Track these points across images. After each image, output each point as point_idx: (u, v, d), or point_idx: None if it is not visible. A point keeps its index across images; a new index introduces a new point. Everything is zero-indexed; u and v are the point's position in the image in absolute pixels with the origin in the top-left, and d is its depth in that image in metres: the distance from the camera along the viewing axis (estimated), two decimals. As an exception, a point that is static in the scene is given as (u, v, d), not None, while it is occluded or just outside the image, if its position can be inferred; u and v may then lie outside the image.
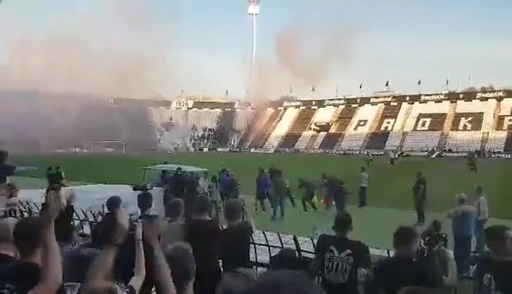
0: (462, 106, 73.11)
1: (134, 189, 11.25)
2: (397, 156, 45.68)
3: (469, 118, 69.70)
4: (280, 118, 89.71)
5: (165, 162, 17.31)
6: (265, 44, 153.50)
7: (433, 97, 77.46)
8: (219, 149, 77.19)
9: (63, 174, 16.57)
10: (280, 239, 5.40)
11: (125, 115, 75.58)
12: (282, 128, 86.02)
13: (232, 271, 4.09)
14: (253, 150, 76.18)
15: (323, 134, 79.68)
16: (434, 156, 59.79)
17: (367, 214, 13.35)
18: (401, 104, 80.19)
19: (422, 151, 63.57)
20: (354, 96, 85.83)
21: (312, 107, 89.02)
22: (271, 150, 75.68)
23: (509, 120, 66.33)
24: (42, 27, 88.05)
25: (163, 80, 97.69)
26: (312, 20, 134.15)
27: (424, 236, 3.95)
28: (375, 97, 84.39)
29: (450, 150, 63.01)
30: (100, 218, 6.63)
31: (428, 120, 73.29)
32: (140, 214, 4.97)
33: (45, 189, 6.48)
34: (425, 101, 77.61)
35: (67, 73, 73.26)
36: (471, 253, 7.77)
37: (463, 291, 4.29)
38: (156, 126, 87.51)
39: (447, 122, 71.67)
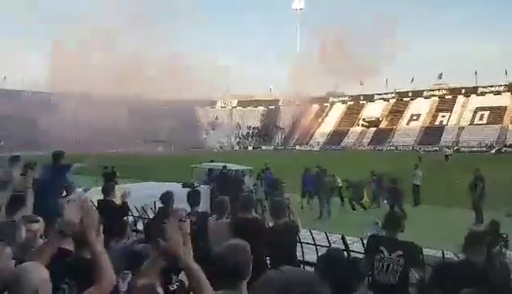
0: (524, 98, 68.41)
1: (183, 187, 11.57)
2: (451, 152, 43.45)
3: (532, 111, 65.09)
4: (327, 114, 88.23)
5: (211, 161, 17.61)
6: (310, 39, 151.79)
7: (491, 89, 72.88)
8: (264, 147, 77.26)
9: (117, 173, 17.40)
10: (328, 238, 5.32)
11: (174, 115, 77.92)
12: (328, 124, 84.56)
13: (278, 270, 4.07)
14: (298, 148, 75.48)
15: (372, 130, 77.35)
16: (493, 151, 56.17)
17: (422, 213, 12.84)
18: (456, 97, 76.29)
19: (480, 146, 60.05)
20: (406, 90, 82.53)
21: (361, 102, 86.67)
22: (317, 147, 74.58)
23: None
24: (94, 28, 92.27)
25: (210, 80, 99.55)
26: (358, 10, 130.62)
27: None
28: (429, 90, 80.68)
29: (511, 145, 58.99)
30: (151, 215, 6.87)
31: (487, 113, 69.15)
32: (190, 211, 5.10)
33: (100, 188, 6.79)
34: (483, 93, 73.25)
35: (118, 75, 76.65)
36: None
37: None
38: (203, 126, 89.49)
39: (508, 116, 67.14)
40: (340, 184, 14.40)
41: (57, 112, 60.33)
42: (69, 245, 2.81)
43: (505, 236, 3.96)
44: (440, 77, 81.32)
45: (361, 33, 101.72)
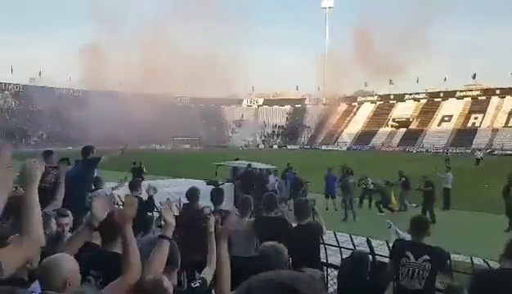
0: None
1: (208, 184, 11.67)
2: (482, 155, 41.92)
3: None
4: (355, 114, 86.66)
5: (236, 159, 17.69)
6: (338, 37, 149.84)
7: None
8: (289, 147, 76.85)
9: (144, 169, 17.75)
10: (353, 241, 5.23)
11: (200, 113, 78.79)
12: (356, 124, 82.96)
13: (299, 271, 4.05)
14: (324, 147, 74.47)
15: (402, 130, 75.26)
16: (528, 155, 53.93)
17: (451, 218, 12.49)
18: (490, 98, 73.37)
19: (514, 150, 57.72)
20: (437, 90, 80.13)
21: (390, 101, 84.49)
22: (344, 147, 73.34)
23: None
24: (119, 29, 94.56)
25: (236, 78, 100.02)
26: (388, 8, 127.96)
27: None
28: (461, 91, 78.10)
29: (547, 149, 56.41)
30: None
31: (522, 115, 66.37)
32: (213, 208, 5.13)
33: (127, 183, 6.94)
34: (518, 95, 70.35)
35: (147, 73, 78.14)
36: None
37: None
38: (228, 124, 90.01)
39: (545, 118, 64.29)
40: (371, 187, 14.13)
41: (89, 109, 62.05)
42: (95, 239, 2.89)
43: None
44: (474, 77, 78.70)
45: (391, 31, 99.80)
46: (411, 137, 71.63)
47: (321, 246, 4.83)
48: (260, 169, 14.84)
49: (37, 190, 1.96)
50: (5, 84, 74.99)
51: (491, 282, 2.96)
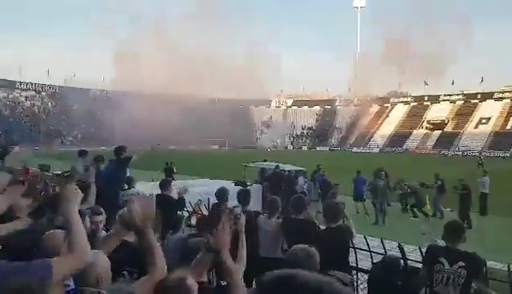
0: None
1: (236, 185, 11.72)
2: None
3: None
4: (387, 115, 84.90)
5: (264, 160, 17.70)
6: (370, 37, 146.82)
7: None
8: (318, 148, 76.18)
9: (174, 169, 18.06)
10: (384, 245, 5.12)
11: (229, 114, 79.38)
12: (389, 126, 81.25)
13: (326, 274, 4.00)
14: (355, 149, 73.33)
15: (437, 132, 73.11)
16: None
17: (489, 224, 12.05)
18: (530, 99, 70.36)
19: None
20: (474, 91, 77.32)
21: (425, 103, 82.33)
22: (376, 150, 72.00)
23: None
24: (148, 31, 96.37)
25: (265, 79, 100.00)
26: (423, 7, 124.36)
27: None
28: (500, 92, 74.92)
29: None
30: (205, 210, 7.03)
31: None
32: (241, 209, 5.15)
33: (157, 183, 7.06)
34: (561, 96, 66.91)
35: (176, 75, 79.50)
36: None
37: None
38: (256, 125, 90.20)
39: None
40: (408, 191, 13.80)
41: (120, 110, 63.80)
42: (129, 236, 2.96)
43: None
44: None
45: (426, 31, 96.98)
46: (447, 140, 69.52)
47: (351, 250, 4.75)
48: (288, 171, 14.77)
49: (76, 208, 2.06)
50: (42, 86, 78.22)
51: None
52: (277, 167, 14.03)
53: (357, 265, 4.89)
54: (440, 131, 73.00)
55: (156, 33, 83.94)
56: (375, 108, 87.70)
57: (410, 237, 6.63)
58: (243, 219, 2.93)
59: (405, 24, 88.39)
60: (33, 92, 76.81)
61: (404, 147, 71.65)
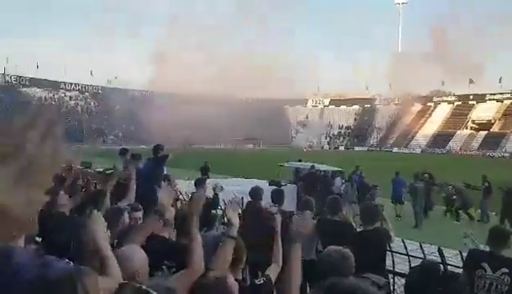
0: None
1: (270, 185, 11.72)
2: None
3: None
4: (430, 115, 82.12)
5: (299, 160, 17.59)
6: (412, 34, 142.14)
7: None
8: (356, 148, 74.72)
9: (209, 167, 18.31)
10: (423, 249, 4.96)
11: (264, 113, 79.59)
12: (432, 126, 78.54)
13: (361, 276, 3.92)
14: (395, 150, 71.30)
15: (483, 133, 69.95)
16: None
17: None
18: None
19: None
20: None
21: (470, 102, 78.99)
22: (418, 150, 69.64)
23: None
24: (185, 32, 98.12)
25: (301, 78, 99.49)
26: (469, 3, 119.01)
27: None
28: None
29: None
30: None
31: None
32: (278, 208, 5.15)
33: (193, 181, 7.20)
34: None
35: (212, 75, 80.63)
36: None
37: None
38: (292, 124, 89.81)
39: None
40: (453, 196, 13.29)
41: (157, 109, 65.50)
42: (166, 233, 3.05)
43: None
44: None
45: (471, 27, 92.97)
46: (493, 141, 66.26)
47: (388, 253, 4.64)
48: (324, 171, 14.60)
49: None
50: (85, 86, 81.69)
51: None
52: (313, 167, 13.90)
53: (393, 268, 4.78)
54: (486, 132, 69.73)
55: (192, 33, 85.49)
56: (417, 107, 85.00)
57: (451, 241, 6.36)
58: (279, 218, 2.93)
59: (447, 21, 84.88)
60: (77, 92, 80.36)
61: (447, 148, 69.01)
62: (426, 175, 13.72)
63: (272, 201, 5.25)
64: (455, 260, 4.74)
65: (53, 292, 1.51)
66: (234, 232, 2.48)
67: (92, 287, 1.53)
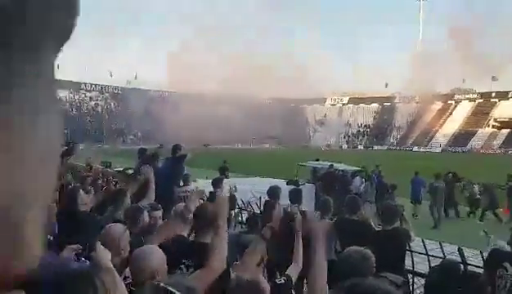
0: None
1: (288, 184, 11.70)
2: None
3: None
4: (451, 113, 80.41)
5: (317, 159, 17.49)
6: (433, 31, 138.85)
7: None
8: (376, 147, 73.77)
9: (228, 167, 18.40)
10: (442, 249, 4.88)
11: (282, 113, 79.46)
12: (453, 124, 76.88)
13: (378, 275, 3.89)
14: (415, 149, 70.06)
15: (505, 131, 68.02)
16: None
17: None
18: None
19: None
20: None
21: (492, 100, 77.06)
22: (438, 149, 68.37)
23: None
24: (203, 32, 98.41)
25: (319, 77, 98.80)
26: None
27: None
28: None
29: None
30: (256, 208, 7.11)
31: None
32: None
33: (210, 180, 7.26)
34: None
35: (229, 74, 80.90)
36: None
37: None
38: (310, 123, 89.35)
39: None
40: (478, 195, 13.02)
41: (177, 109, 66.18)
42: (184, 232, 3.09)
43: None
44: None
45: (494, 23, 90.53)
46: (516, 139, 64.58)
47: (408, 253, 4.59)
48: (342, 170, 14.48)
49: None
50: (105, 87, 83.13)
51: None
52: (331, 166, 13.81)
53: (413, 268, 4.72)
54: (508, 130, 67.87)
55: (209, 32, 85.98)
56: (438, 105, 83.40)
57: (470, 241, 6.24)
58: (299, 218, 2.93)
59: (469, 18, 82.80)
60: (97, 93, 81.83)
61: (468, 147, 67.49)
62: (450, 174, 13.42)
63: (290, 200, 5.25)
64: (476, 260, 4.65)
65: (71, 290, 1.56)
66: (268, 233, 2.51)
67: (109, 284, 1.58)
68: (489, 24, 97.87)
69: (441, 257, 4.48)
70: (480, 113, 75.81)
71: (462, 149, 65.63)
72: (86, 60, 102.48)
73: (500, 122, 70.21)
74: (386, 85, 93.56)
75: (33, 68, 0.27)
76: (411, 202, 13.10)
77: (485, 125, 72.60)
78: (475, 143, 68.74)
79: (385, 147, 74.05)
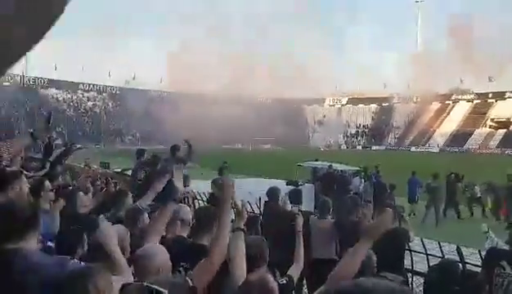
0: None
1: (287, 185, 11.71)
2: None
3: None
4: (448, 113, 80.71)
5: (316, 160, 17.51)
6: (431, 31, 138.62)
7: None
8: (374, 147, 73.87)
9: (228, 167, 18.37)
10: (441, 248, 4.90)
11: (281, 113, 79.44)
12: (450, 124, 77.16)
13: (377, 275, 3.92)
14: (413, 149, 70.25)
15: (502, 131, 68.45)
16: None
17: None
18: None
19: None
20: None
21: (489, 100, 77.37)
22: (436, 149, 68.55)
23: None
24: (202, 31, 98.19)
25: (318, 77, 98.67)
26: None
27: None
28: None
29: None
30: (256, 209, 7.11)
31: None
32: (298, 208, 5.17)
33: (209, 181, 7.26)
34: None
35: (229, 75, 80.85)
36: None
37: None
38: (309, 124, 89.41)
39: None
40: (479, 195, 13.04)
41: (175, 110, 66.10)
42: (184, 232, 3.10)
43: None
44: None
45: (490, 25, 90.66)
46: (512, 139, 64.79)
47: (407, 252, 4.61)
48: (341, 171, 14.51)
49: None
50: (103, 87, 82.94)
51: None
52: (330, 166, 13.83)
53: (412, 267, 4.75)
54: (505, 130, 68.14)
55: (211, 34, 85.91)
56: (436, 105, 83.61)
57: (469, 240, 6.27)
58: (300, 219, 2.94)
59: (467, 18, 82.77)
60: (95, 93, 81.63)
61: (465, 147, 67.71)
62: (452, 175, 13.45)
63: (290, 200, 5.27)
64: (474, 259, 4.68)
65: (66, 290, 1.56)
66: (241, 224, 2.48)
67: (104, 285, 1.59)
68: (486, 25, 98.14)
69: (440, 257, 4.50)
70: (477, 114, 76.12)
71: (460, 149, 65.84)
72: (84, 60, 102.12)
73: (497, 123, 70.53)
74: (384, 85, 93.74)
75: None
76: (409, 202, 13.16)
77: (482, 125, 72.91)
78: (473, 143, 69.05)
79: (383, 147, 74.22)
